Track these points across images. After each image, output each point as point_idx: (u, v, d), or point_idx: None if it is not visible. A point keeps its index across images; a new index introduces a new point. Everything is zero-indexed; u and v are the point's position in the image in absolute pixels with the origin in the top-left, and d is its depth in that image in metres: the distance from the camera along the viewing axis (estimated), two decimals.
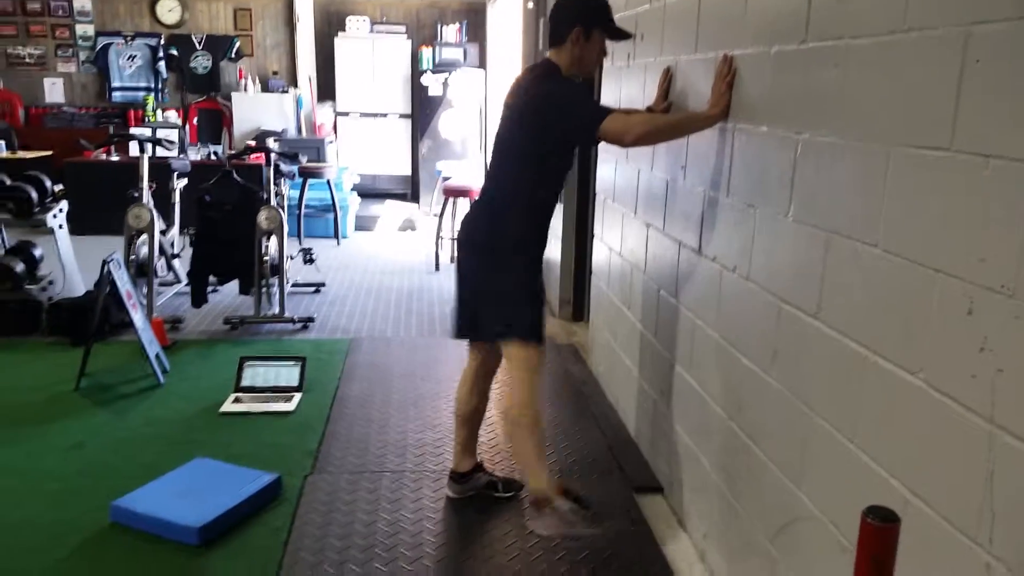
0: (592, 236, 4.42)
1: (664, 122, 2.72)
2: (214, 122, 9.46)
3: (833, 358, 1.81)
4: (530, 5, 6.09)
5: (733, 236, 2.38)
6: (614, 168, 3.83)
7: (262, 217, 4.92)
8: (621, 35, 2.73)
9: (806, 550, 1.95)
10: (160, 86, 9.46)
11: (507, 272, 2.68)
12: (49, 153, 8.27)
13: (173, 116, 9.20)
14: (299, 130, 9.39)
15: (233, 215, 5.03)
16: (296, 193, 7.52)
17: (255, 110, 9.29)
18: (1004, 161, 1.30)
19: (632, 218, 3.51)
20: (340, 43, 9.42)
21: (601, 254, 4.17)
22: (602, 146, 3.83)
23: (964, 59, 1.39)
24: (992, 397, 1.33)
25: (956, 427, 1.41)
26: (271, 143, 6.35)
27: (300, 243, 6.97)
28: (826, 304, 1.85)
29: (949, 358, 1.43)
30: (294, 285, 5.83)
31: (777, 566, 2.08)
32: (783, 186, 2.05)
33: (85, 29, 9.29)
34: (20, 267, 4.79)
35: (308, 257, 5.90)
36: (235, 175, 5.17)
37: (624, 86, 3.66)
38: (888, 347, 1.61)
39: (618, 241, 3.76)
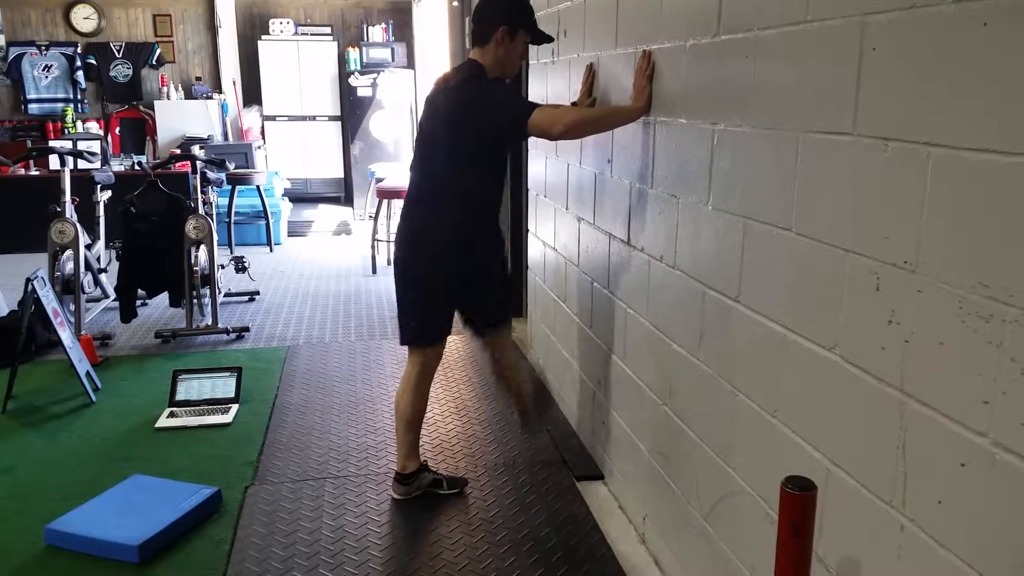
0: (527, 231, 4.46)
1: (590, 115, 2.77)
2: (137, 131, 9.22)
3: (754, 338, 1.88)
4: (455, 3, 6.11)
5: (659, 226, 2.44)
6: (544, 163, 3.88)
7: (190, 226, 4.83)
8: (544, 38, 2.79)
9: (737, 523, 2.02)
10: (79, 96, 9.18)
11: (479, 272, 2.86)
12: None
13: (94, 127, 8.93)
14: (225, 136, 9.23)
15: (160, 226, 4.92)
16: (225, 201, 7.40)
17: (179, 117, 9.08)
18: (901, 143, 1.37)
19: (564, 212, 3.56)
20: (264, 46, 9.27)
21: (536, 249, 4.21)
22: (532, 142, 3.87)
23: (861, 47, 1.46)
24: (901, 368, 1.40)
25: (870, 398, 1.48)
26: (197, 150, 6.23)
27: (232, 251, 6.86)
28: (746, 287, 1.92)
29: (860, 332, 1.50)
30: (227, 295, 5.74)
31: (712, 542, 2.15)
32: (702, 176, 2.11)
33: None
34: None
35: (240, 265, 5.81)
36: (160, 185, 5.06)
37: (550, 82, 3.71)
38: (804, 325, 1.68)
39: (551, 236, 3.81)
